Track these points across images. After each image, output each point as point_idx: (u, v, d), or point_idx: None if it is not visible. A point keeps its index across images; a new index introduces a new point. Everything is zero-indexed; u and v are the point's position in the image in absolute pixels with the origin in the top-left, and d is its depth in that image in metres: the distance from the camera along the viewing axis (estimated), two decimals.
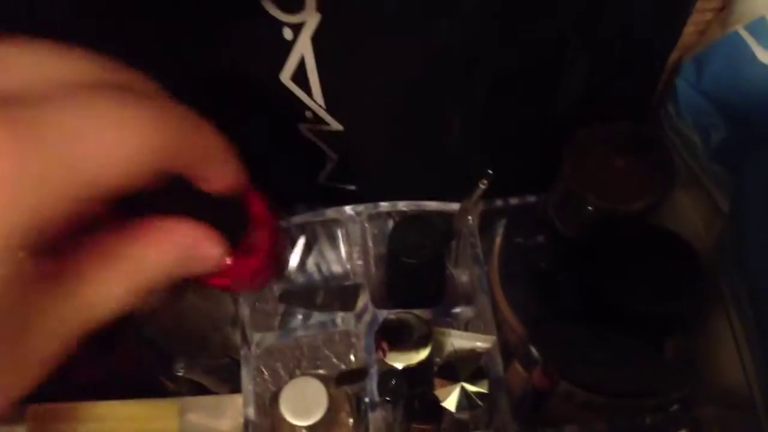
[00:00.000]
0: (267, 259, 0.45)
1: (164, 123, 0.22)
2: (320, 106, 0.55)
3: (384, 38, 0.49)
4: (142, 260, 0.24)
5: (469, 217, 0.60)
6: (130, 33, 0.46)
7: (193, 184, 0.26)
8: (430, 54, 0.49)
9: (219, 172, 0.26)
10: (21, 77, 0.22)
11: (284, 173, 0.64)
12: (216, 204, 0.28)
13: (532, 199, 0.62)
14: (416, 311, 0.56)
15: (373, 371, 0.55)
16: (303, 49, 0.50)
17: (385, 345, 0.54)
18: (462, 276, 0.68)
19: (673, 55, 0.55)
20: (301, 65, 0.51)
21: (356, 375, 0.54)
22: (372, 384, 0.55)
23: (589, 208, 0.47)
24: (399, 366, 0.53)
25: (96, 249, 0.23)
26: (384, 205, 0.62)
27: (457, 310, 0.58)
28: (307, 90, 0.53)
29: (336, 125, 0.57)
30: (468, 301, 0.60)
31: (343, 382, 0.54)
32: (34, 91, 0.21)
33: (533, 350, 0.49)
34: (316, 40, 0.49)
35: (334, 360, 0.63)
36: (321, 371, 0.64)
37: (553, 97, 0.54)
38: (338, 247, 0.62)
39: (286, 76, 0.51)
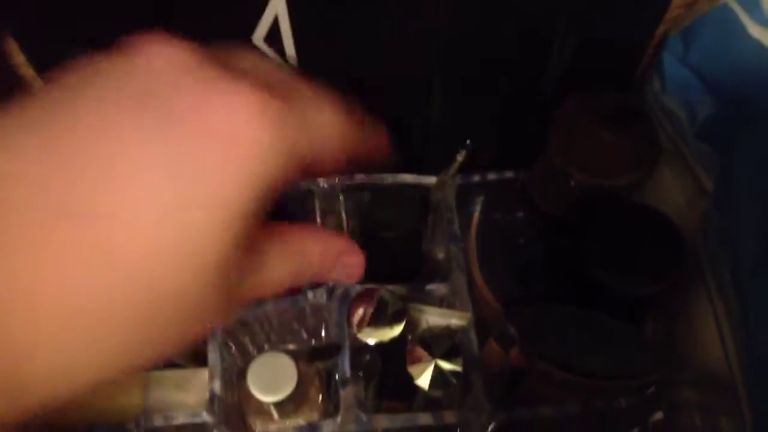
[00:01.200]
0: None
1: (349, 116, 0.27)
2: None
3: (362, 3, 0.47)
4: (309, 255, 0.28)
5: (446, 192, 0.58)
6: None
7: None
8: (413, 15, 0.47)
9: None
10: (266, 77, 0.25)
11: None
12: None
13: (510, 174, 0.60)
14: (391, 286, 0.54)
15: (346, 347, 0.53)
16: (277, 7, 0.47)
17: (357, 321, 0.52)
18: (438, 253, 0.67)
19: (660, 29, 0.54)
20: (275, 25, 0.49)
21: (329, 351, 0.53)
22: (344, 360, 0.53)
23: (573, 183, 0.46)
24: (372, 342, 0.51)
25: (278, 234, 0.26)
26: (360, 177, 0.60)
27: (432, 286, 0.57)
28: (281, 52, 0.51)
29: None
30: (443, 277, 0.58)
31: (315, 357, 0.53)
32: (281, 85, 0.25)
33: (510, 328, 0.47)
34: None
35: (305, 335, 0.61)
36: (291, 346, 0.62)
37: (539, 72, 0.52)
38: (314, 221, 0.60)
39: (258, 37, 0.49)
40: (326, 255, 0.29)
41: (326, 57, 0.51)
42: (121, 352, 0.22)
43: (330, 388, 0.59)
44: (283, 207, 0.28)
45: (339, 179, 0.60)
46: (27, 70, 0.50)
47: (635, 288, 0.44)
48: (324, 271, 0.29)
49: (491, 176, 0.61)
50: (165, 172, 0.21)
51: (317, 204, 0.61)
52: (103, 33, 0.47)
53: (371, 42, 0.50)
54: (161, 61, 0.23)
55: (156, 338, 0.23)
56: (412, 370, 0.50)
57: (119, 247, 0.21)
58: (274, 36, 0.49)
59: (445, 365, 0.51)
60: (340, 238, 0.30)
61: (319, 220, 0.60)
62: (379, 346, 0.51)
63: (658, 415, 0.53)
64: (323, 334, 0.61)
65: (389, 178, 0.61)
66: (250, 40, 0.50)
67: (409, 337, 0.53)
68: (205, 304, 0.23)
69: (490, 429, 0.55)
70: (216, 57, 0.24)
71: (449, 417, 0.53)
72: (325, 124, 0.25)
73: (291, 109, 0.23)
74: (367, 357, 0.52)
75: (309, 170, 0.25)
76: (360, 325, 0.52)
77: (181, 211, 0.21)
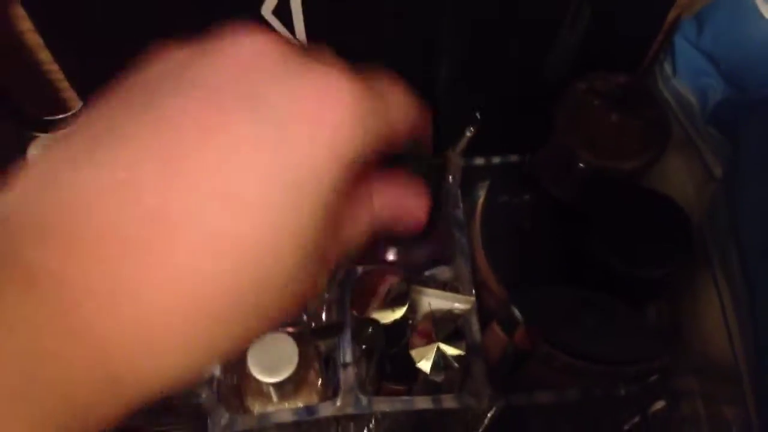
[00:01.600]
0: None
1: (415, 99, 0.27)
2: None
3: None
4: (380, 208, 0.28)
5: (453, 171, 0.57)
6: None
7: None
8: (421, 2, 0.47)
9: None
10: None
11: None
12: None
13: (514, 158, 0.60)
14: (392, 268, 0.53)
15: (347, 328, 0.53)
16: None
17: (360, 303, 0.52)
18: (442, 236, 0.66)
19: (672, 13, 0.53)
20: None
21: (331, 329, 0.52)
22: (345, 342, 0.53)
23: (581, 165, 0.45)
24: (374, 324, 0.51)
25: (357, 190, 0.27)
26: None
27: (436, 270, 0.56)
28: (289, 26, 0.50)
29: None
30: (447, 262, 0.58)
31: (318, 336, 0.52)
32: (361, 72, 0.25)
33: (515, 311, 0.47)
34: None
35: (304, 317, 0.61)
36: (290, 329, 0.62)
37: (547, 53, 0.52)
38: None
39: (267, 9, 0.48)
40: (394, 205, 0.29)
41: (335, 33, 0.51)
42: (224, 341, 0.23)
43: (330, 372, 0.58)
44: None
45: None
46: (33, 37, 0.49)
47: (641, 271, 0.43)
48: (394, 221, 0.30)
49: (496, 160, 0.60)
50: (269, 157, 0.22)
51: None
52: (112, 4, 0.47)
53: (380, 20, 0.49)
54: (251, 52, 0.24)
55: (259, 321, 0.23)
56: (414, 353, 0.50)
57: (228, 233, 0.21)
58: (283, 9, 0.48)
59: (448, 349, 0.50)
60: (410, 183, 0.30)
61: None
62: (382, 327, 0.51)
63: (660, 404, 0.53)
64: (324, 317, 0.60)
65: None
66: (259, 13, 0.49)
67: (411, 320, 0.52)
68: (303, 279, 0.24)
69: (490, 414, 0.55)
70: (298, 48, 0.25)
71: (448, 401, 0.53)
72: (399, 107, 0.26)
73: (372, 92, 0.24)
74: (371, 329, 0.51)
75: (385, 148, 0.26)
76: (362, 307, 0.51)
77: (283, 192, 0.22)
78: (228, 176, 0.22)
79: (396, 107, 0.26)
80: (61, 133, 0.23)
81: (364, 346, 0.50)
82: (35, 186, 0.21)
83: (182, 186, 0.21)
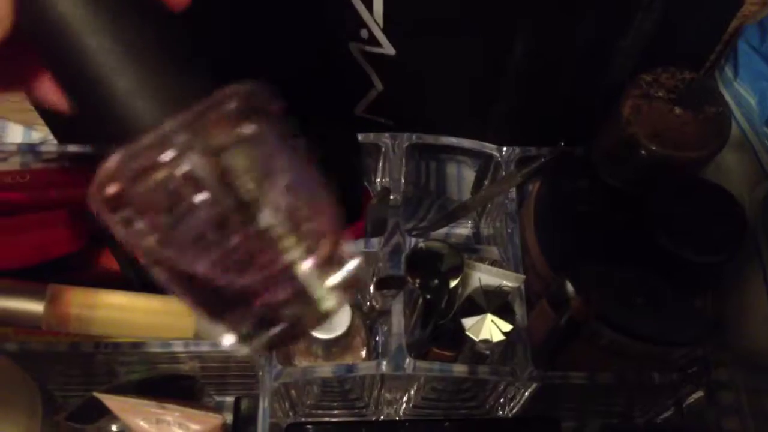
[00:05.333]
0: None
1: None
2: (378, 24, 0.54)
3: None
4: None
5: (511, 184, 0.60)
6: None
7: None
8: None
9: None
10: None
11: (324, 96, 0.64)
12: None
13: (567, 148, 0.62)
14: (445, 242, 0.55)
15: (401, 294, 0.55)
16: None
17: (414, 273, 0.54)
18: (488, 227, 0.69)
19: (735, 22, 0.55)
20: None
21: (396, 281, 0.54)
22: (396, 309, 0.55)
23: (642, 152, 0.47)
24: (428, 296, 0.53)
25: None
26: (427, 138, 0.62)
27: (487, 249, 0.59)
28: (369, 3, 0.53)
29: (389, 49, 0.57)
30: (500, 242, 0.60)
31: (383, 286, 0.54)
32: None
33: (568, 286, 0.49)
34: None
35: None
36: None
37: (615, 52, 0.54)
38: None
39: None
40: None
41: (412, 16, 0.53)
42: None
43: (376, 341, 0.60)
44: None
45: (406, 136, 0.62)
46: None
47: (693, 255, 0.45)
48: None
49: (551, 148, 0.62)
50: None
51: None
52: None
53: (456, 9, 0.51)
54: None
55: None
56: (465, 321, 0.52)
57: None
58: None
59: (497, 321, 0.52)
60: None
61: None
62: (434, 297, 0.53)
63: (698, 395, 0.55)
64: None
65: (451, 140, 0.63)
66: None
67: (462, 292, 0.55)
68: None
69: (527, 393, 0.56)
70: None
71: (483, 372, 0.54)
72: None
73: None
74: (422, 305, 0.53)
75: None
76: (417, 278, 0.53)
77: None
78: None
79: None
80: None
81: (428, 296, 0.52)
82: None
83: None
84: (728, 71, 0.53)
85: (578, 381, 0.55)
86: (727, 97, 0.53)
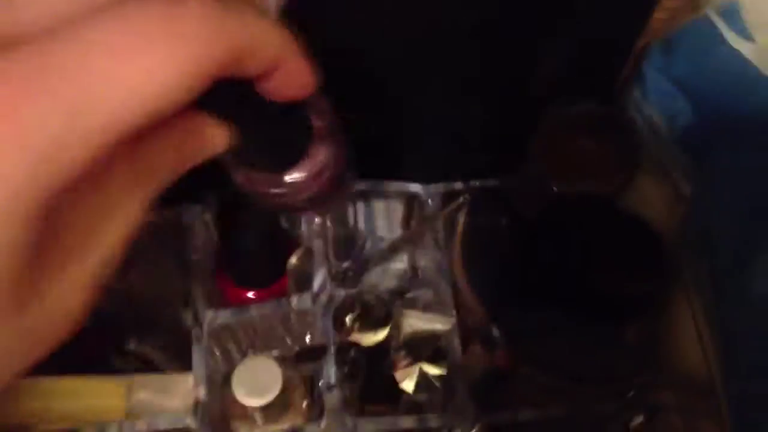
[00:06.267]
0: (331, 180, 0.41)
1: (223, 24, 0.19)
2: None
3: None
4: (152, 164, 0.22)
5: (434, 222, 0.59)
6: None
7: (254, 89, 0.23)
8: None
9: (288, 77, 0.23)
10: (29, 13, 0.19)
11: None
12: (278, 112, 0.26)
13: (493, 182, 0.61)
14: (375, 292, 0.55)
15: (331, 351, 0.54)
16: None
17: (343, 325, 0.53)
18: (421, 260, 0.68)
19: (641, 41, 0.55)
20: None
21: (315, 352, 0.53)
22: (329, 364, 0.54)
23: (555, 189, 0.47)
24: (357, 346, 0.52)
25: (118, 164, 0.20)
26: None
27: (417, 293, 0.58)
28: None
29: None
30: (428, 283, 0.59)
31: (302, 359, 0.53)
32: (42, 22, 0.18)
33: (495, 331, 0.48)
34: None
35: (289, 341, 0.62)
36: (275, 353, 0.62)
37: (525, 82, 0.53)
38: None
39: None
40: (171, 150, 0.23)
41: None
42: None
43: (314, 394, 0.59)
44: None
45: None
46: None
47: (616, 290, 0.45)
48: (181, 165, 0.23)
49: (474, 183, 0.62)
50: None
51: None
52: None
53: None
54: None
55: None
56: (397, 374, 0.51)
57: None
58: None
59: (430, 369, 0.51)
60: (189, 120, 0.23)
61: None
62: (364, 349, 0.52)
63: (639, 419, 0.54)
64: (308, 339, 0.61)
65: (371, 185, 0.62)
66: None
67: (393, 342, 0.54)
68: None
69: None
70: None
71: (433, 420, 0.54)
72: (145, 73, 0.18)
73: (69, 83, 0.17)
74: (353, 353, 0.52)
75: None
76: (346, 330, 0.52)
77: None
78: None
79: (135, 75, 0.17)
80: None
81: (346, 369, 0.51)
82: None
83: None
84: (636, 93, 0.53)
85: (527, 418, 0.54)
86: (639, 120, 0.53)
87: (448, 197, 0.61)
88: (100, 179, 0.19)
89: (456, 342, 0.55)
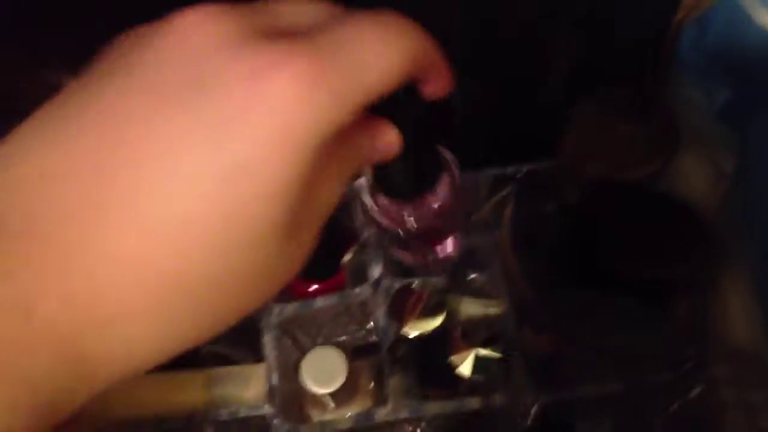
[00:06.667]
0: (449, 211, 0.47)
1: (414, 31, 0.26)
2: None
3: None
4: (350, 161, 0.28)
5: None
6: None
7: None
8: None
9: (439, 77, 0.30)
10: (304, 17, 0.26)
11: None
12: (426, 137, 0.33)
13: (543, 164, 0.62)
14: (431, 278, 0.57)
15: (386, 341, 0.57)
16: None
17: (401, 313, 0.55)
18: (473, 245, 0.70)
19: (677, 16, 0.55)
20: None
21: (368, 349, 0.56)
22: (384, 354, 0.57)
23: (590, 176, 0.48)
24: (415, 333, 0.54)
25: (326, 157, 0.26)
26: None
27: (470, 276, 0.60)
28: None
29: None
30: (481, 267, 0.61)
31: (357, 356, 0.56)
32: (317, 24, 0.25)
33: (542, 314, 0.50)
34: None
35: (354, 327, 0.65)
36: (342, 338, 0.66)
37: (549, 67, 0.54)
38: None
39: None
40: (367, 146, 0.29)
41: None
42: (197, 317, 0.23)
43: (380, 378, 0.62)
44: None
45: None
46: None
47: (651, 273, 0.46)
48: (366, 162, 0.30)
49: (524, 167, 0.63)
50: (210, 145, 0.22)
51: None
52: None
53: None
54: (197, 37, 0.24)
55: (232, 301, 0.24)
56: (455, 358, 0.54)
57: (168, 219, 0.22)
58: None
59: (485, 352, 0.54)
60: (374, 122, 0.29)
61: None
62: (422, 337, 0.54)
63: (697, 390, 0.55)
64: (371, 325, 0.64)
65: None
66: None
67: (449, 327, 0.56)
68: (273, 259, 0.24)
69: (533, 410, 0.58)
70: (252, 17, 0.25)
71: (497, 399, 0.56)
72: (379, 60, 0.25)
73: (337, 62, 0.23)
74: (403, 350, 0.55)
75: (365, 104, 0.25)
76: (404, 318, 0.55)
77: (226, 180, 0.22)
78: (167, 167, 0.21)
79: (375, 63, 0.24)
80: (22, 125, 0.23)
81: (401, 356, 0.54)
82: (48, 135, 0.22)
83: (120, 175, 0.21)
84: (674, 73, 0.53)
85: (586, 393, 0.56)
86: (677, 98, 0.53)
87: (498, 182, 0.63)
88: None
89: (511, 323, 0.57)
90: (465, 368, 0.53)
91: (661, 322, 0.50)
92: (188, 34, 0.23)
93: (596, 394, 0.56)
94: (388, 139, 0.30)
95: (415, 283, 0.57)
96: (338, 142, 0.25)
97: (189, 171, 0.22)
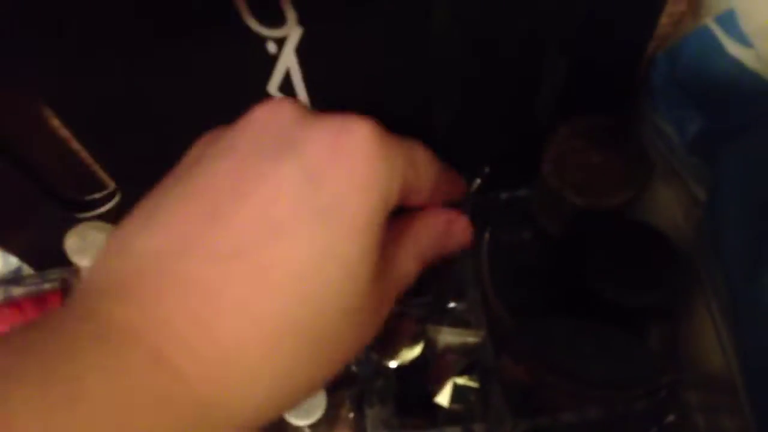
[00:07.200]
0: None
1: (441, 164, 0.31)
2: None
3: (365, 49, 0.50)
4: (422, 239, 0.31)
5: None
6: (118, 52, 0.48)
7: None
8: (411, 63, 0.51)
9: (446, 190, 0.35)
10: None
11: None
12: None
13: (522, 192, 0.63)
14: (410, 309, 0.57)
15: (366, 372, 0.57)
16: (288, 61, 0.51)
17: (381, 343, 0.56)
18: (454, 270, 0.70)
19: (649, 47, 0.56)
20: (287, 77, 0.53)
21: (347, 382, 0.56)
22: (367, 382, 0.57)
23: (568, 204, 0.49)
24: (393, 364, 0.55)
25: (398, 232, 0.30)
26: None
27: (449, 305, 0.60)
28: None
29: None
30: (459, 295, 0.61)
31: (336, 388, 0.56)
32: None
33: (520, 343, 0.50)
34: (300, 52, 0.51)
35: None
36: None
37: (531, 100, 0.55)
38: None
39: (273, 87, 0.53)
40: (435, 235, 0.32)
41: (336, 105, 0.55)
42: (302, 359, 0.25)
43: (361, 407, 0.62)
44: None
45: None
46: (64, 132, 0.55)
47: (633, 300, 0.47)
48: (441, 247, 0.33)
49: (503, 195, 0.64)
50: (307, 194, 0.25)
51: None
52: (129, 86, 0.52)
53: (376, 90, 0.53)
54: (278, 116, 0.27)
55: (334, 355, 0.26)
56: (433, 388, 0.54)
57: (279, 265, 0.24)
58: (287, 86, 0.53)
59: (463, 382, 0.54)
60: (444, 210, 0.33)
61: None
62: (400, 367, 0.55)
63: (671, 417, 0.56)
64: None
65: None
66: (266, 90, 0.54)
67: (427, 357, 0.56)
68: (364, 316, 0.27)
69: None
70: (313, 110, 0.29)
71: (476, 429, 0.56)
72: (425, 162, 0.29)
73: (399, 141, 0.27)
74: (381, 382, 0.55)
75: (411, 200, 0.29)
76: (384, 348, 0.55)
77: (325, 220, 0.25)
78: (272, 216, 0.24)
79: (423, 162, 0.29)
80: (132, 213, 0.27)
81: (380, 386, 0.54)
82: (108, 255, 0.25)
83: (228, 234, 0.24)
84: (647, 103, 0.54)
85: (567, 420, 0.56)
86: (649, 129, 0.54)
87: (478, 208, 0.63)
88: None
89: (489, 352, 0.57)
90: (443, 398, 0.53)
91: (637, 350, 0.51)
92: (269, 116, 0.27)
93: (575, 421, 0.56)
94: (462, 226, 0.34)
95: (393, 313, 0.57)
96: (408, 221, 0.30)
97: (287, 213, 0.24)
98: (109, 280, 0.25)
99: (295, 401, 0.26)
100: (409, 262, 0.30)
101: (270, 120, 0.27)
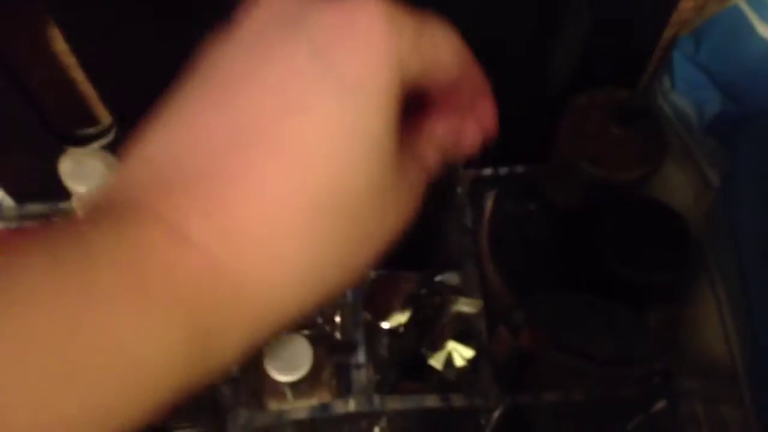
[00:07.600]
0: None
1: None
2: None
3: None
4: (439, 131, 0.29)
5: (458, 187, 0.60)
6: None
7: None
8: None
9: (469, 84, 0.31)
10: None
11: None
12: None
13: (521, 169, 0.62)
14: (403, 273, 0.56)
15: (360, 333, 0.55)
16: None
17: (372, 306, 0.54)
18: (450, 244, 0.69)
19: (670, 31, 0.55)
20: None
21: (345, 347, 0.55)
22: (359, 344, 0.55)
23: (584, 176, 0.48)
24: (386, 326, 0.53)
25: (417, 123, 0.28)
26: None
27: (445, 276, 0.59)
28: None
29: None
30: (456, 266, 0.60)
31: (333, 352, 0.55)
32: None
33: (520, 315, 0.49)
34: None
35: (320, 320, 0.63)
36: (306, 332, 0.64)
37: (548, 64, 0.54)
38: None
39: None
40: (446, 136, 0.30)
41: None
42: (325, 273, 0.24)
43: (343, 371, 0.61)
44: None
45: None
46: (69, 59, 0.52)
47: (641, 276, 0.46)
48: (448, 153, 0.31)
49: (503, 170, 0.63)
50: (322, 69, 0.24)
51: None
52: (143, 21, 0.50)
53: None
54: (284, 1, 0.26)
55: (365, 241, 0.25)
56: (427, 351, 0.52)
57: (312, 137, 0.23)
58: None
59: (458, 348, 0.52)
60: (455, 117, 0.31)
61: None
62: (393, 329, 0.53)
63: (661, 404, 0.55)
64: (337, 319, 0.63)
65: None
66: None
67: (423, 322, 0.55)
68: (392, 197, 0.25)
69: (496, 414, 0.57)
70: None
71: (456, 400, 0.55)
72: (443, 35, 0.27)
73: (413, 13, 0.25)
74: (383, 348, 0.54)
75: (429, 83, 0.27)
76: (375, 310, 0.54)
77: (348, 97, 0.24)
78: (290, 95, 0.23)
79: (441, 36, 0.26)
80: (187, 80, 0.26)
81: (388, 329, 0.52)
82: (125, 167, 0.24)
83: (245, 121, 0.23)
84: (666, 83, 0.53)
85: (550, 399, 0.55)
86: (667, 109, 0.54)
87: (477, 183, 0.62)
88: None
89: (482, 325, 0.56)
90: (436, 361, 0.52)
91: (640, 330, 0.50)
92: (275, 1, 0.26)
93: (560, 401, 0.55)
94: (486, 107, 0.31)
95: (388, 276, 0.56)
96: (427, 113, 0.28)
97: (306, 89, 0.23)
98: (127, 187, 0.24)
99: (323, 292, 0.25)
100: (428, 154, 0.28)
101: (275, 6, 0.26)
